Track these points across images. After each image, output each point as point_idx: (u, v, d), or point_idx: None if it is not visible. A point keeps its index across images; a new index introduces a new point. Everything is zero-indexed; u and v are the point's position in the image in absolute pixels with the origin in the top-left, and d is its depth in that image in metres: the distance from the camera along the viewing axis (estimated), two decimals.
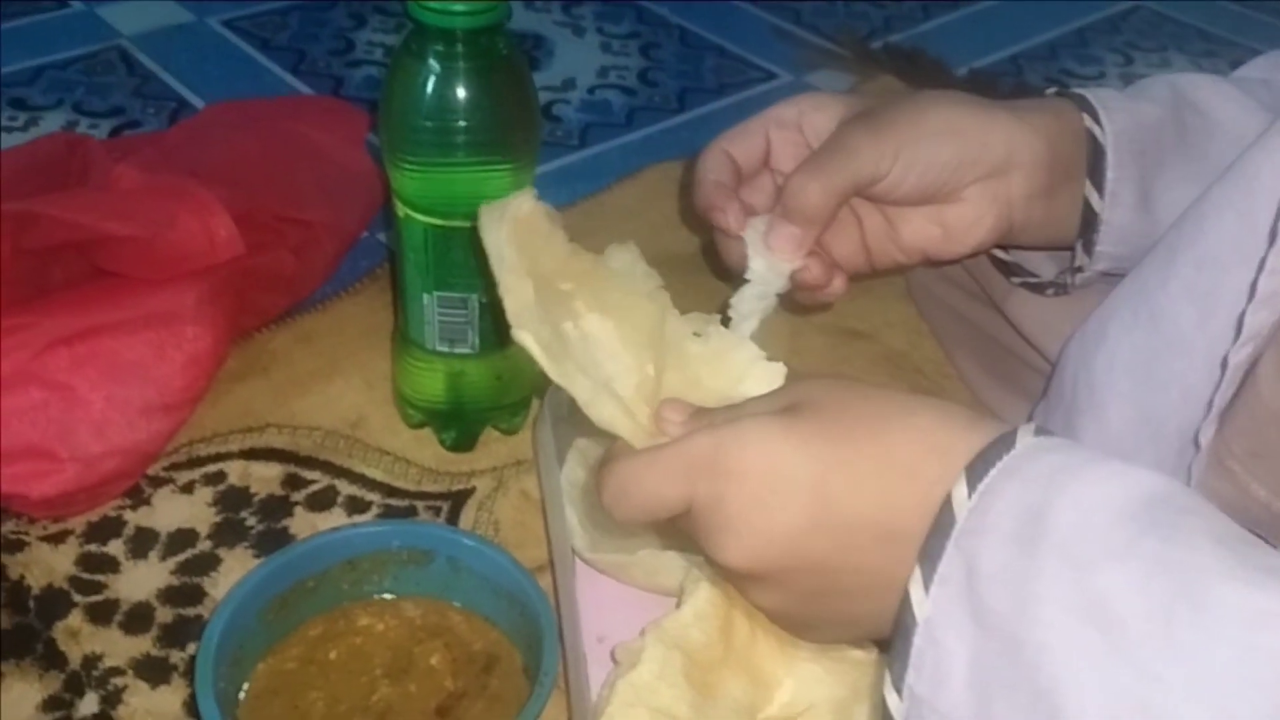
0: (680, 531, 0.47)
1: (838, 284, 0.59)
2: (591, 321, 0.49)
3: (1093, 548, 0.34)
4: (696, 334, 0.51)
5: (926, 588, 0.36)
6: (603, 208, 0.90)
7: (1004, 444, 0.37)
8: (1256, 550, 0.34)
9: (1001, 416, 0.72)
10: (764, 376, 0.49)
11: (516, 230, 0.48)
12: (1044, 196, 0.58)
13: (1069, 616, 0.34)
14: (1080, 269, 0.60)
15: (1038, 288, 0.64)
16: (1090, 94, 0.59)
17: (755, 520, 0.40)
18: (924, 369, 0.77)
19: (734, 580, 0.45)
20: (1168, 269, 0.50)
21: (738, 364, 0.50)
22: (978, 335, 0.73)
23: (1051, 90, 0.62)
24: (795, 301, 0.60)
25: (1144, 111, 0.59)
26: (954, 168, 0.56)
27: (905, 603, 0.37)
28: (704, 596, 0.53)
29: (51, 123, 0.96)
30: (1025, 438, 0.37)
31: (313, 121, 0.83)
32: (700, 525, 0.43)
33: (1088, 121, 0.58)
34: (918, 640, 0.36)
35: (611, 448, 0.46)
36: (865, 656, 0.53)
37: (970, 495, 0.36)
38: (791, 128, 0.60)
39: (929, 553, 0.37)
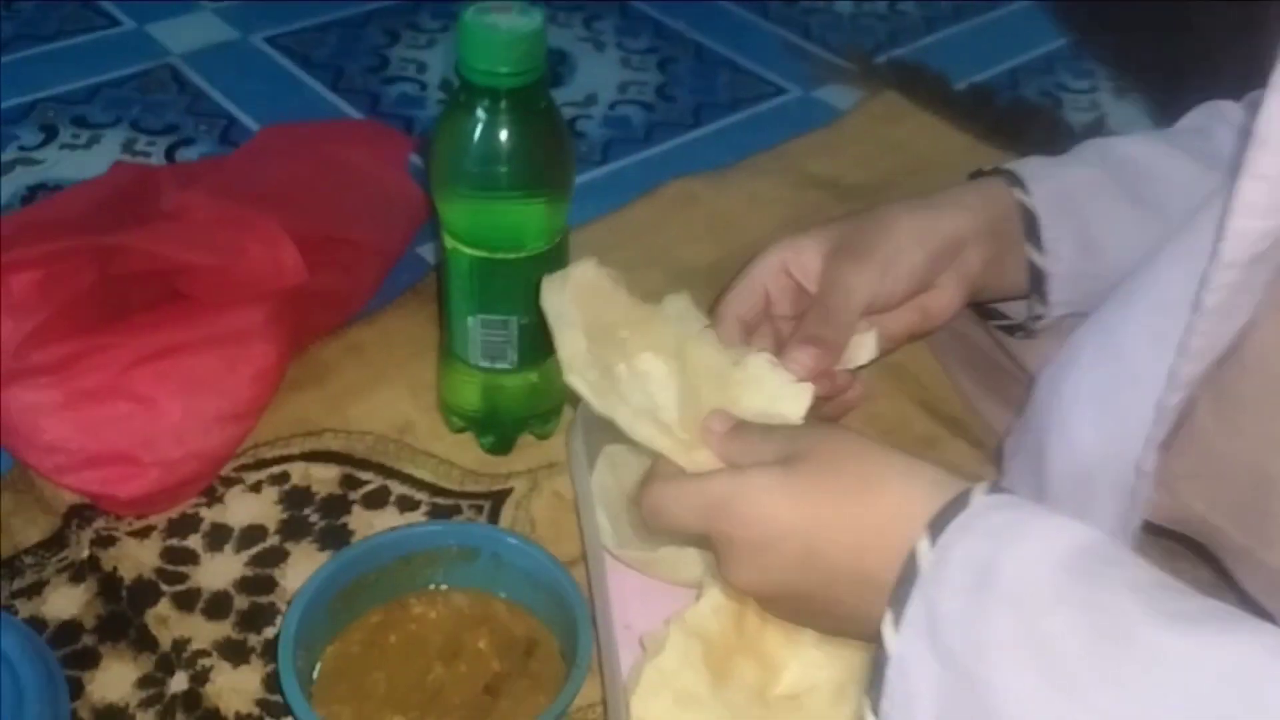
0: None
1: (858, 388, 0.66)
2: (644, 360, 0.58)
3: (1033, 597, 0.40)
4: (736, 362, 0.60)
5: (896, 627, 0.43)
6: (623, 223, 0.97)
7: (960, 503, 0.44)
8: (1168, 595, 0.40)
9: (992, 424, 0.79)
10: (794, 396, 0.59)
11: (579, 292, 0.58)
12: (994, 263, 0.66)
13: (1014, 656, 0.40)
14: (1039, 316, 0.69)
15: (1010, 330, 0.72)
16: (1017, 168, 0.67)
17: (755, 561, 0.50)
18: (922, 379, 0.84)
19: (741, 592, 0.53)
20: (1127, 310, 0.57)
21: (771, 386, 0.59)
22: (972, 351, 0.81)
23: (989, 169, 0.70)
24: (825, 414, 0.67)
25: (1070, 174, 0.67)
26: (927, 267, 0.65)
27: (880, 640, 0.43)
28: (719, 591, 0.61)
29: (112, 140, 1.03)
30: (978, 496, 0.45)
31: (358, 145, 0.90)
32: (715, 552, 0.52)
33: (1018, 194, 0.66)
34: (890, 673, 0.43)
35: (654, 465, 0.55)
36: (862, 645, 0.60)
37: (932, 546, 0.43)
38: (781, 274, 0.67)
39: (897, 598, 0.43)
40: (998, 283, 0.68)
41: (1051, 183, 0.67)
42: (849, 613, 0.48)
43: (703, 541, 0.53)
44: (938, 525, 0.44)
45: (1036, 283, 0.68)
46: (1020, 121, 1.12)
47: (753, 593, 0.52)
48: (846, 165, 1.05)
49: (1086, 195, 0.67)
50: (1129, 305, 0.57)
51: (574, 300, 0.58)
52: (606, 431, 0.71)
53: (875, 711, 0.43)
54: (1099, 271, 0.66)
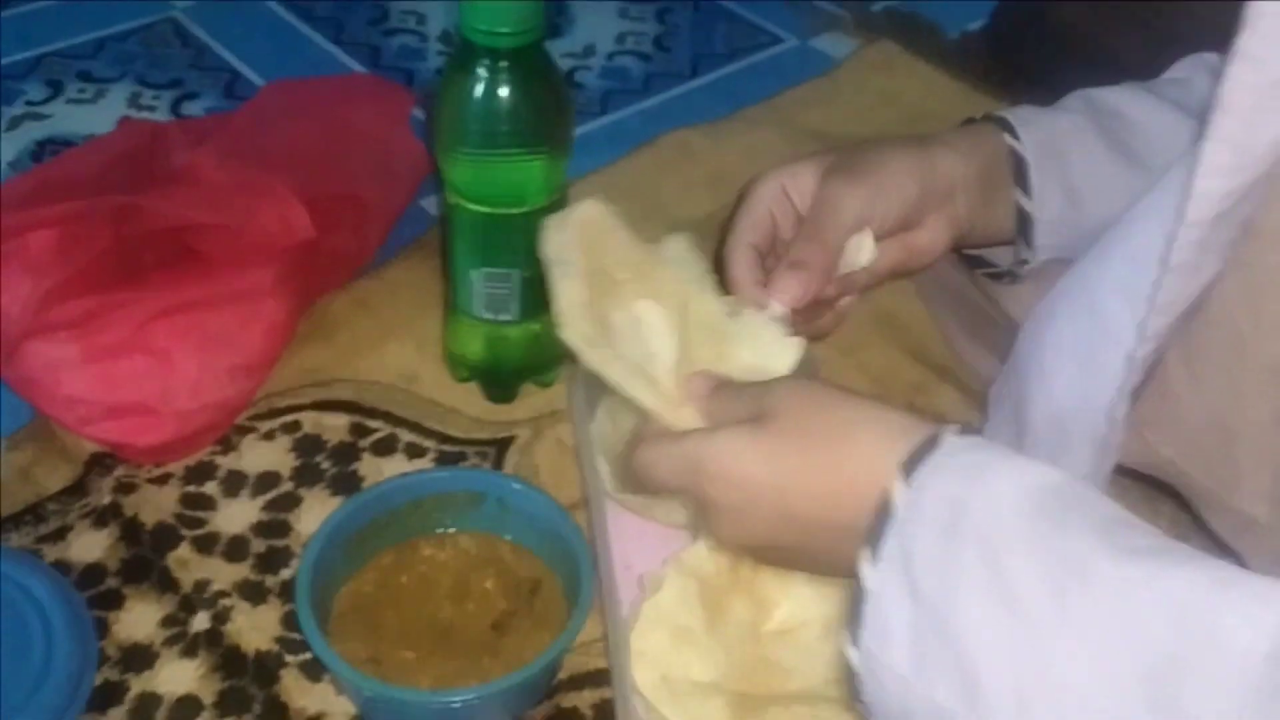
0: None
1: (850, 298, 0.69)
2: (641, 306, 0.59)
3: (998, 534, 0.42)
4: (732, 314, 0.62)
5: (874, 564, 0.45)
6: (621, 175, 0.99)
7: (931, 445, 0.46)
8: (1127, 531, 0.42)
9: (978, 370, 0.82)
10: (783, 351, 0.60)
11: (581, 232, 0.58)
12: (982, 208, 0.68)
13: (983, 600, 0.42)
14: (1025, 261, 0.71)
15: (996, 276, 0.74)
16: (1009, 114, 0.69)
17: (734, 520, 0.52)
18: (911, 328, 0.87)
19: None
20: (1103, 265, 0.59)
21: (763, 340, 0.61)
22: (959, 299, 0.83)
23: (980, 116, 0.72)
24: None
25: (1059, 121, 0.69)
26: (918, 200, 0.66)
27: (857, 577, 0.45)
28: None
29: (117, 95, 1.05)
30: (949, 438, 0.46)
31: (361, 101, 0.91)
32: (696, 512, 0.54)
33: (1009, 140, 0.68)
34: (868, 608, 0.45)
35: (643, 427, 0.56)
36: (850, 582, 0.64)
37: (907, 485, 0.45)
38: (782, 198, 0.68)
39: (874, 535, 0.45)
40: (984, 228, 0.70)
41: (1040, 130, 0.69)
42: (831, 560, 0.50)
43: (686, 501, 0.55)
44: (910, 466, 0.45)
45: (1023, 228, 0.70)
46: (1013, 70, 1.13)
47: (736, 548, 0.55)
48: (841, 117, 1.06)
49: (1072, 143, 0.69)
50: (1105, 258, 0.59)
51: (575, 242, 0.58)
52: (605, 382, 0.74)
53: (855, 644, 0.46)
54: (1079, 219, 0.68)
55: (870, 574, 0.45)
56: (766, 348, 0.60)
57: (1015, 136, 0.69)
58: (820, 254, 0.64)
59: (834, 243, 0.64)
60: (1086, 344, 0.59)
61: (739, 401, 0.54)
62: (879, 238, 0.67)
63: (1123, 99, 0.71)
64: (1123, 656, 0.39)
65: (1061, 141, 0.69)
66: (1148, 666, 0.38)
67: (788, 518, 0.50)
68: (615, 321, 0.58)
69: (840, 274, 0.65)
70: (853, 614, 0.46)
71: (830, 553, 0.49)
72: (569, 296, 0.57)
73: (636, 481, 0.56)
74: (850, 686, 0.47)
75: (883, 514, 0.45)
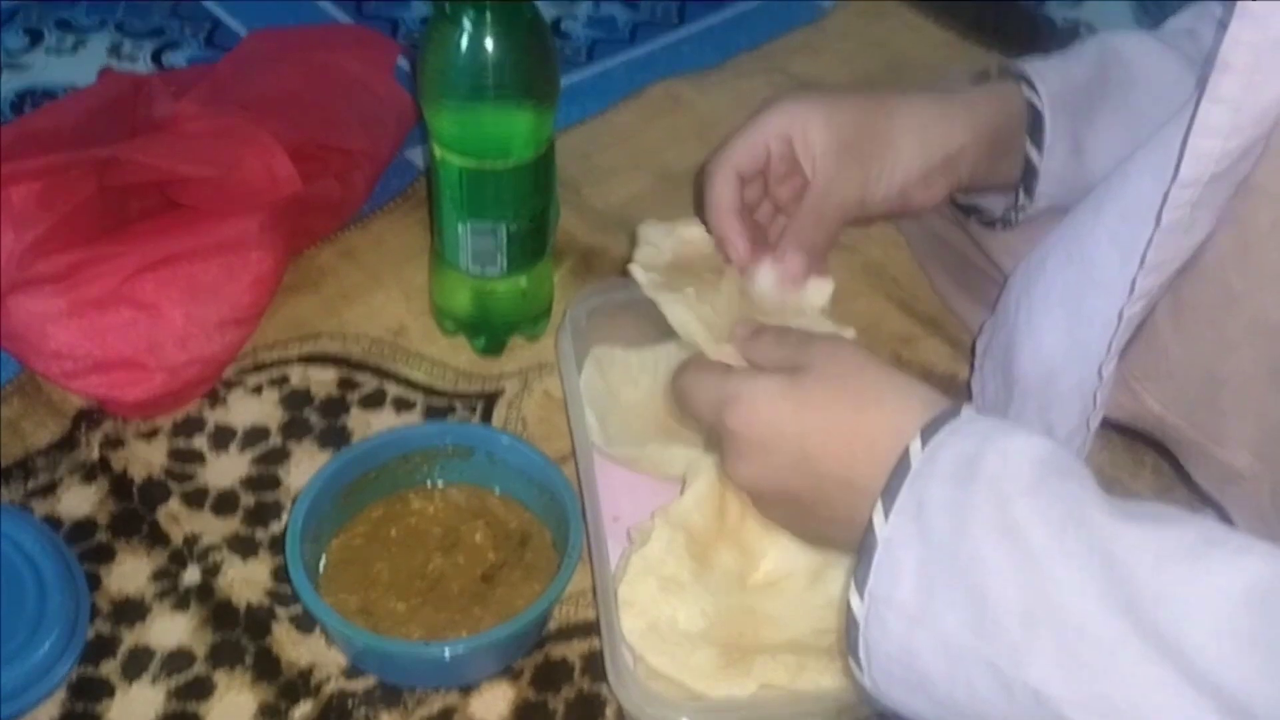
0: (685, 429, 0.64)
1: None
2: (720, 281, 0.65)
3: (1011, 485, 0.45)
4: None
5: (886, 516, 0.47)
6: (609, 126, 0.98)
7: (950, 413, 0.48)
8: (1121, 500, 0.45)
9: (966, 321, 0.82)
10: (817, 289, 0.64)
11: (680, 245, 0.67)
12: (987, 166, 0.68)
13: (992, 534, 0.44)
14: (1022, 208, 0.70)
15: (989, 223, 0.74)
16: (1029, 66, 0.68)
17: (755, 457, 0.53)
18: (899, 279, 0.87)
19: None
20: (1097, 217, 0.59)
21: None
22: (948, 250, 0.83)
23: (996, 70, 0.71)
24: None
25: (1073, 73, 0.68)
26: (921, 176, 0.66)
27: (869, 529, 0.47)
28: (702, 485, 0.64)
29: (97, 44, 1.04)
30: (967, 411, 0.48)
31: (346, 51, 0.90)
32: (720, 445, 0.56)
33: (1026, 91, 0.67)
34: (878, 555, 0.47)
35: (693, 356, 0.59)
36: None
37: (923, 448, 0.47)
38: (785, 141, 0.67)
39: (889, 490, 0.47)
40: (985, 181, 0.70)
41: (1057, 81, 0.68)
42: (834, 515, 0.52)
43: (712, 432, 0.57)
44: (929, 430, 0.48)
45: (1026, 178, 0.70)
46: (1001, 18, 1.13)
47: (750, 488, 0.55)
48: (829, 65, 1.06)
49: (1083, 97, 0.69)
50: (1099, 211, 0.59)
51: (671, 249, 0.66)
52: (595, 333, 0.74)
53: (860, 593, 0.47)
54: (1081, 172, 0.68)
55: (882, 525, 0.47)
56: (801, 304, 0.64)
57: (1034, 90, 0.68)
58: (824, 239, 0.65)
59: (834, 225, 0.66)
60: (1076, 295, 0.59)
61: (778, 350, 0.55)
62: (875, 212, 0.68)
63: (1136, 50, 0.70)
64: (1113, 589, 0.42)
65: (1075, 95, 0.68)
66: (1134, 598, 0.41)
67: (804, 466, 0.52)
68: (687, 291, 0.62)
69: (790, 311, 0.65)
70: (860, 564, 0.47)
71: (836, 507, 0.51)
72: (648, 257, 0.65)
73: (674, 400, 0.59)
74: (847, 639, 0.48)
75: (900, 470, 0.47)
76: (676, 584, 0.62)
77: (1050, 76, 0.68)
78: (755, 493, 0.56)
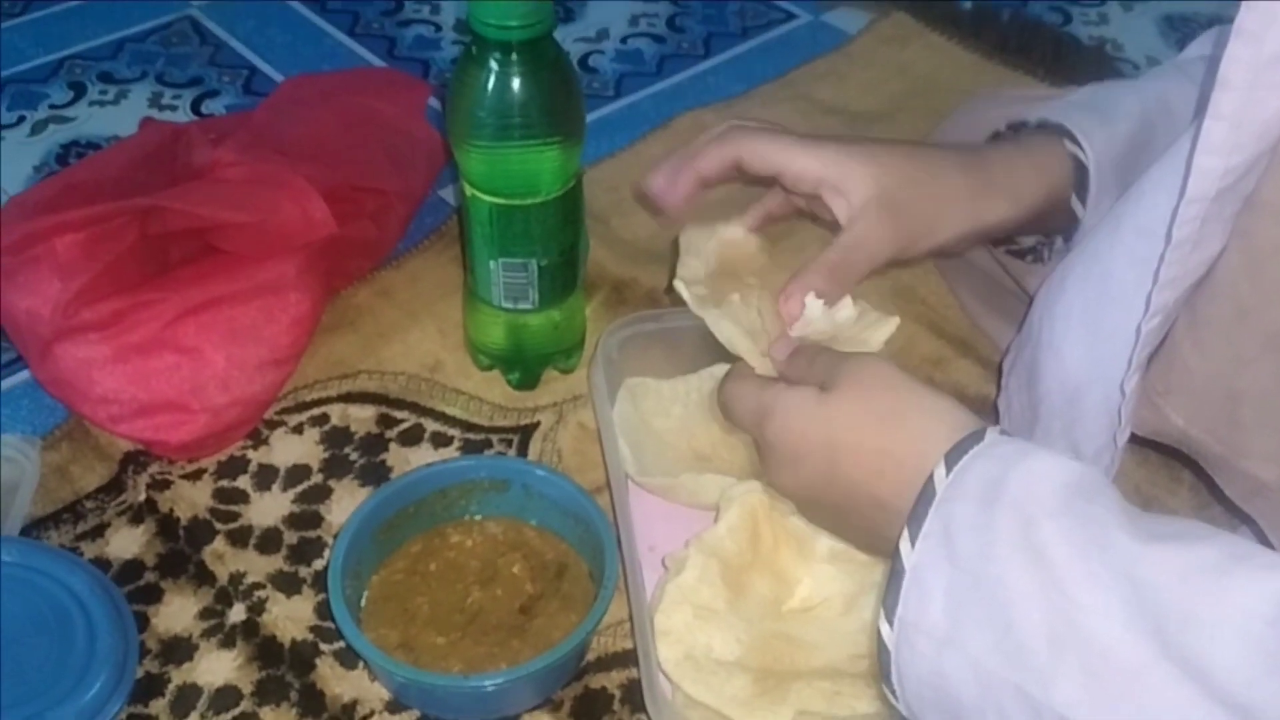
0: (718, 458, 0.67)
1: None
2: (762, 296, 0.64)
3: (1036, 507, 0.45)
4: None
5: (913, 544, 0.48)
6: (638, 158, 0.99)
7: (975, 438, 0.49)
8: (1146, 518, 0.46)
9: (997, 341, 0.82)
10: (876, 325, 0.63)
11: (720, 245, 0.67)
12: (1029, 226, 0.69)
13: (1017, 556, 0.45)
14: (1058, 251, 0.71)
15: (1019, 254, 0.74)
16: (1072, 124, 0.67)
17: (788, 467, 0.57)
18: (929, 301, 0.87)
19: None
20: (1115, 235, 0.59)
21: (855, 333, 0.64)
22: (975, 272, 0.83)
23: (1035, 120, 0.70)
24: None
25: (1118, 132, 0.68)
26: (958, 241, 0.66)
27: (896, 556, 0.48)
28: (736, 513, 0.65)
29: (139, 95, 1.06)
30: (991, 434, 0.49)
31: (378, 93, 0.92)
32: (760, 453, 0.59)
33: (1070, 146, 0.67)
34: (906, 582, 0.47)
35: (736, 365, 0.62)
36: (868, 559, 0.65)
37: (948, 474, 0.48)
38: (810, 183, 0.65)
39: (915, 517, 0.48)
40: (1019, 236, 0.71)
41: (1103, 142, 0.67)
42: (866, 527, 0.53)
43: (752, 441, 0.60)
44: (953, 456, 0.48)
45: (1068, 229, 0.70)
46: (1026, 38, 1.13)
47: (789, 495, 0.58)
48: (855, 91, 1.07)
49: (1129, 152, 0.68)
50: (1117, 228, 0.59)
51: (713, 251, 0.67)
52: (627, 364, 0.75)
53: (890, 621, 0.48)
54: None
55: (909, 553, 0.48)
56: (860, 337, 0.63)
57: (1081, 149, 0.67)
58: (839, 288, 0.63)
59: (856, 277, 0.64)
60: (1096, 311, 0.59)
61: (812, 368, 0.57)
62: (905, 262, 0.66)
63: (1179, 100, 0.69)
64: (1138, 612, 0.42)
65: (1121, 153, 0.68)
66: (1160, 620, 0.41)
67: (834, 479, 0.54)
68: (731, 299, 0.64)
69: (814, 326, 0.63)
70: (889, 592, 0.48)
71: (867, 523, 0.53)
72: (690, 270, 0.65)
73: (719, 408, 0.62)
74: (880, 666, 0.49)
75: (925, 496, 0.48)
76: (711, 612, 0.62)
77: (1096, 135, 0.67)
78: (794, 500, 0.58)
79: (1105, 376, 0.58)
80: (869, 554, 0.63)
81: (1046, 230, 0.71)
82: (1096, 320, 0.59)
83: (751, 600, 0.64)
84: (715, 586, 0.63)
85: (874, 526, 0.53)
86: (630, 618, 0.65)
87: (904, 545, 0.48)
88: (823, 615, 0.64)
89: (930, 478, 0.48)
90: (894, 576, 0.48)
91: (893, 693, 0.49)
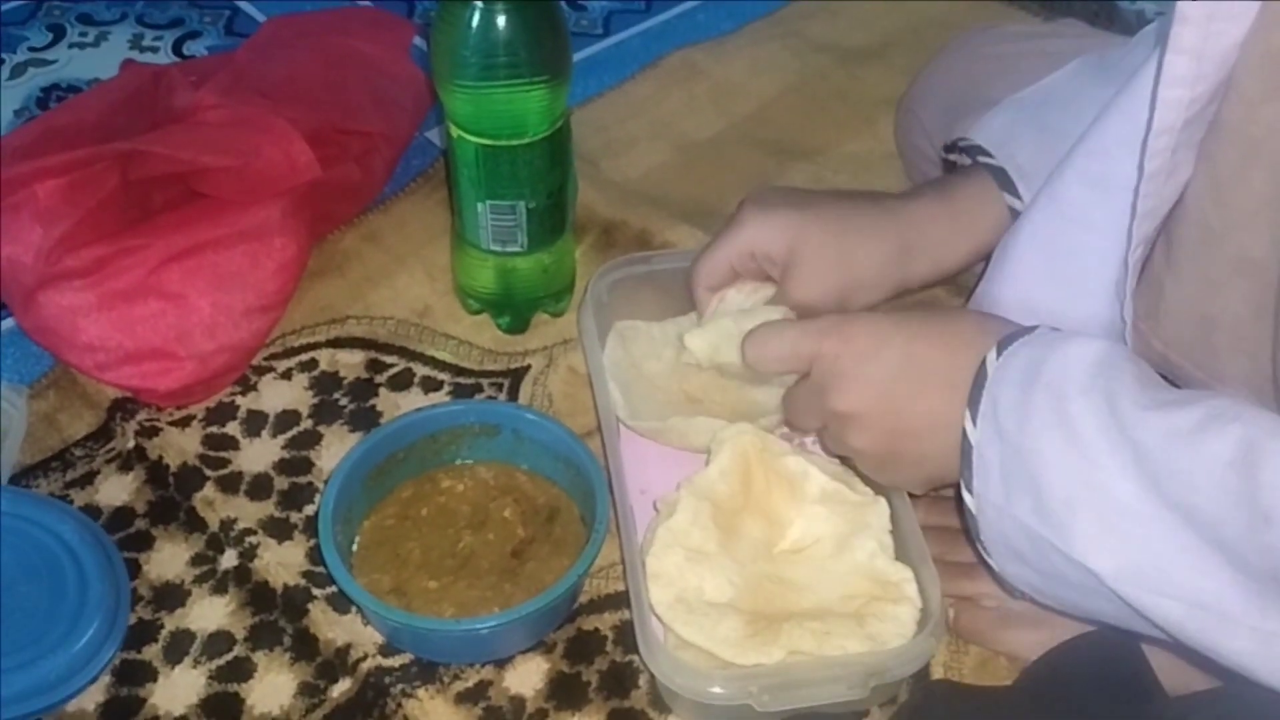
0: (709, 401, 0.67)
1: None
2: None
3: (1065, 385, 0.51)
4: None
5: (974, 422, 0.54)
6: (626, 97, 0.98)
7: (1025, 330, 0.55)
8: (1161, 388, 0.52)
9: None
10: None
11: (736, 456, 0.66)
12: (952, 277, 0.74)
13: (1046, 428, 0.51)
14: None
15: None
16: (1011, 169, 0.68)
17: (860, 371, 0.59)
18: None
19: (839, 428, 0.61)
20: (1066, 161, 0.61)
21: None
22: None
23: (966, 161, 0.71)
24: None
25: (1054, 149, 0.65)
26: (880, 301, 0.71)
27: (964, 435, 0.54)
28: (727, 456, 0.65)
29: (119, 37, 1.05)
30: (1042, 328, 0.55)
31: (362, 33, 0.91)
32: (820, 376, 0.60)
33: (1009, 199, 0.68)
34: (975, 458, 0.54)
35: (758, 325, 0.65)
36: (860, 499, 0.64)
37: (998, 359, 0.54)
38: (749, 258, 0.70)
39: (972, 399, 0.54)
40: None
41: (1039, 175, 0.67)
42: (933, 424, 0.56)
43: (802, 384, 0.62)
44: (1004, 344, 0.54)
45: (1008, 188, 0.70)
46: None
47: (854, 410, 0.59)
48: (846, 27, 1.05)
49: (1063, 143, 0.66)
50: (1068, 157, 0.61)
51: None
52: (617, 307, 0.75)
53: (969, 489, 0.54)
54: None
55: (971, 430, 0.54)
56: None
57: (1016, 194, 0.68)
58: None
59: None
60: (1053, 238, 0.62)
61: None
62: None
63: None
64: (1141, 470, 0.48)
65: (1055, 154, 0.66)
66: (1157, 475, 0.48)
67: (908, 366, 0.57)
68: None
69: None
70: (963, 465, 0.55)
71: (935, 418, 0.56)
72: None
73: (748, 358, 0.64)
74: (972, 529, 0.55)
75: (979, 380, 0.54)
76: (703, 554, 0.62)
77: (1035, 175, 0.67)
78: (858, 414, 0.59)
79: (1072, 296, 0.60)
80: (918, 476, 0.62)
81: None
82: (1052, 242, 0.61)
83: (743, 542, 0.64)
84: (707, 529, 0.63)
85: (945, 417, 0.55)
86: (622, 560, 0.65)
87: (967, 425, 0.54)
88: (814, 556, 0.64)
89: (983, 363, 0.54)
90: (965, 453, 0.54)
91: (987, 552, 0.56)
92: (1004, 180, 0.69)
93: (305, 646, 0.65)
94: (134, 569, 0.68)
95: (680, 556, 0.61)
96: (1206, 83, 0.50)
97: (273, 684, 0.64)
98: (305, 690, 0.64)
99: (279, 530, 0.70)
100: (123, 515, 0.71)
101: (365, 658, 0.65)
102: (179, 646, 0.65)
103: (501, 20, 0.67)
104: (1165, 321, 0.56)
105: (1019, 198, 0.68)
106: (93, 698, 0.63)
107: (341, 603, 0.67)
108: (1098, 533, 0.49)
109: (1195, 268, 0.54)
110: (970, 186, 0.70)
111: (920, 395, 0.57)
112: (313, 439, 0.75)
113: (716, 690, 0.58)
